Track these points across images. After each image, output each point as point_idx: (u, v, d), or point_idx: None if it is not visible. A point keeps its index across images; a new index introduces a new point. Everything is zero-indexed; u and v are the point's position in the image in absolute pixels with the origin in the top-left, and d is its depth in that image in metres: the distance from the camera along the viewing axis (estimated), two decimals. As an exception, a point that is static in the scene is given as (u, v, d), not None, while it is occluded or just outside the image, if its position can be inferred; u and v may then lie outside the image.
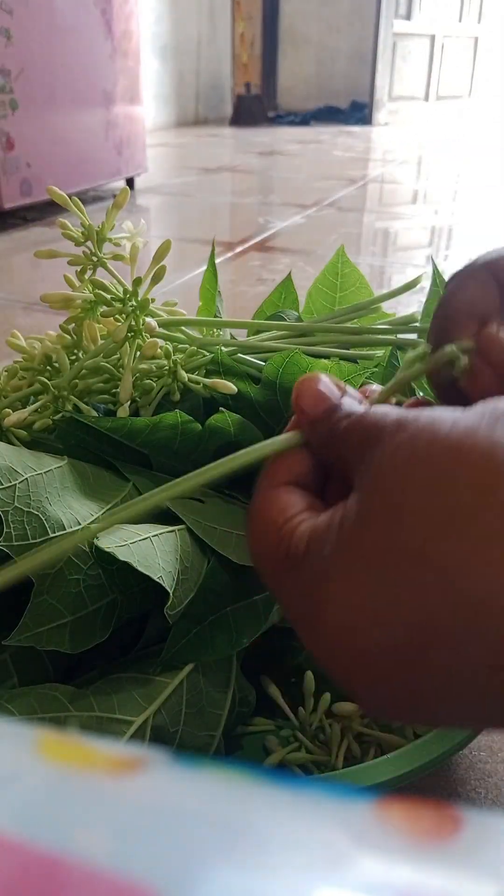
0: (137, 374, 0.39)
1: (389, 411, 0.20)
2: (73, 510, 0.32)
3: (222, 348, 0.39)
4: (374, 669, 0.18)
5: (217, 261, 0.53)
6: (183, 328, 0.41)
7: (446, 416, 0.18)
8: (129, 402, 0.37)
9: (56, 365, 0.39)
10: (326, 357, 0.39)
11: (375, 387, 0.26)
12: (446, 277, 0.26)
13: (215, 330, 0.45)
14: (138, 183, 2.36)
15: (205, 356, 0.40)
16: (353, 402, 0.23)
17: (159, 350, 0.38)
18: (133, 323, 0.37)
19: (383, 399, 0.25)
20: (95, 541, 0.29)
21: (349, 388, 0.24)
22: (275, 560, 0.21)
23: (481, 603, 0.16)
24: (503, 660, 0.16)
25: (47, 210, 1.94)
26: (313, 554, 0.19)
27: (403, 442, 0.18)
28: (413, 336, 0.41)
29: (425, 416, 0.19)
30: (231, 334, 0.44)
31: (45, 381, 0.37)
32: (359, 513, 0.19)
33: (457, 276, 0.25)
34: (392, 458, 0.18)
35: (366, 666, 0.18)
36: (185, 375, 0.39)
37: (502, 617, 0.16)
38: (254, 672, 0.36)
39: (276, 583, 0.21)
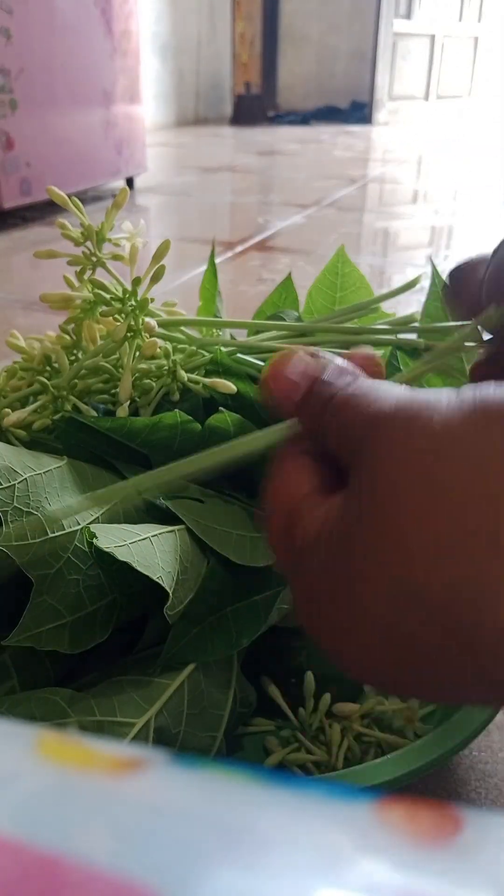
0: (137, 374, 0.39)
1: (379, 389, 0.19)
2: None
3: (222, 348, 0.39)
4: (366, 668, 0.18)
5: (217, 261, 0.53)
6: (182, 328, 0.41)
7: (436, 413, 0.17)
8: (128, 402, 0.37)
9: (55, 365, 0.39)
10: (326, 357, 0.39)
11: (367, 350, 0.23)
12: (446, 278, 0.26)
13: (215, 330, 0.45)
14: (138, 182, 2.36)
15: (204, 356, 0.40)
16: (338, 375, 0.21)
17: (159, 350, 0.38)
18: (132, 323, 0.37)
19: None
20: (95, 541, 0.29)
21: (327, 356, 0.21)
22: (282, 551, 0.21)
23: (474, 631, 0.16)
24: (490, 676, 0.16)
25: (47, 210, 1.93)
26: (309, 552, 0.19)
27: (392, 440, 0.17)
28: (413, 336, 0.41)
29: (415, 406, 0.17)
30: (231, 334, 0.44)
31: (45, 381, 0.37)
32: (345, 515, 0.18)
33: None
34: (377, 461, 0.17)
35: (357, 662, 0.18)
36: (184, 375, 0.39)
37: (494, 645, 0.15)
38: (254, 672, 0.36)
39: (283, 570, 0.21)
